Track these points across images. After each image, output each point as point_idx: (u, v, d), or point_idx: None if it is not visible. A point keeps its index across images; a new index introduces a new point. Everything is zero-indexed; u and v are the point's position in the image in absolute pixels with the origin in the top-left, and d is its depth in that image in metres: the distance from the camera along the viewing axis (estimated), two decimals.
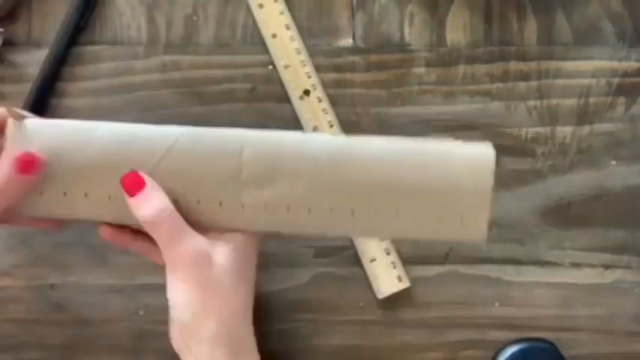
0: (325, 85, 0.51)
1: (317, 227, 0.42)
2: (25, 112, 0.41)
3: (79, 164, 0.40)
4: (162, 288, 0.47)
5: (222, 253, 0.40)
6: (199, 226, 0.41)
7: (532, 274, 0.50)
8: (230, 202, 0.41)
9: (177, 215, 0.40)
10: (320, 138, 0.42)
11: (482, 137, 0.51)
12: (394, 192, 0.41)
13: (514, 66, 0.51)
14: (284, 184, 0.41)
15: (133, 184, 0.39)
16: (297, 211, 0.41)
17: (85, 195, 0.40)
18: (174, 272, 0.40)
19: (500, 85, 0.51)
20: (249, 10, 0.51)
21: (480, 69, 0.51)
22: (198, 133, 0.41)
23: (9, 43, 0.50)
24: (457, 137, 0.50)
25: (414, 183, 0.41)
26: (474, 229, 0.42)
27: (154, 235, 0.39)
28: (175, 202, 0.40)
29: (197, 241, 0.40)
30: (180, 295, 0.39)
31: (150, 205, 0.39)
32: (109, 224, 0.42)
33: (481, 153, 0.42)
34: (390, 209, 0.42)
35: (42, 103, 0.50)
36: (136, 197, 0.39)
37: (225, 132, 0.41)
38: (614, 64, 0.52)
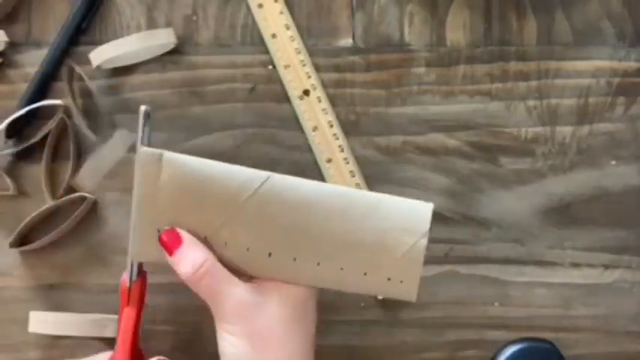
0: (325, 85, 0.51)
1: (233, 264, 0.39)
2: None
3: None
4: (162, 288, 0.48)
5: (275, 299, 0.39)
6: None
7: (532, 274, 0.50)
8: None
9: (219, 267, 0.38)
10: (245, 172, 0.39)
11: (482, 137, 0.51)
12: (317, 239, 0.39)
13: (514, 66, 0.51)
14: (203, 216, 0.39)
15: (171, 242, 0.38)
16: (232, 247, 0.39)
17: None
18: (221, 322, 0.39)
19: (500, 85, 0.51)
20: (248, 10, 0.51)
21: (480, 69, 0.51)
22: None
23: (9, 43, 0.50)
24: (457, 137, 0.51)
25: (339, 232, 0.39)
26: (402, 290, 0.40)
27: (196, 291, 0.39)
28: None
29: (242, 291, 0.38)
30: (229, 346, 0.38)
31: (187, 262, 0.38)
32: None
33: (418, 212, 0.39)
34: (311, 257, 0.39)
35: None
36: (174, 255, 0.38)
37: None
38: (614, 64, 0.52)
